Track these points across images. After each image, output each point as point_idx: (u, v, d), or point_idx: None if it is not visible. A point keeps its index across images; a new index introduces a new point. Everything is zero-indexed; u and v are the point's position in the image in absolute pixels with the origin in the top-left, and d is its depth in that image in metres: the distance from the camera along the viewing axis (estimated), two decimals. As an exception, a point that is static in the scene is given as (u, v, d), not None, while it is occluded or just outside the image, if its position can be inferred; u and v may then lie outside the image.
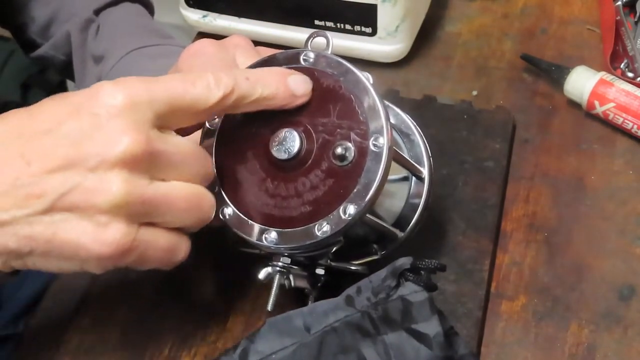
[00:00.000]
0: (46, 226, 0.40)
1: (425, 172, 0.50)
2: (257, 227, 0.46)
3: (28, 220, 0.40)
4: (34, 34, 0.72)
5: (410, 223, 0.50)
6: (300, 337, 0.43)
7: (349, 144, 0.44)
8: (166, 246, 0.44)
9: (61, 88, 1.36)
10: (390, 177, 0.46)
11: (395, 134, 0.52)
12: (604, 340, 0.51)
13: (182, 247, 0.45)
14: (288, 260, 0.47)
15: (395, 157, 0.47)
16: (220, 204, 0.47)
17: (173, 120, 0.43)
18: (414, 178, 0.51)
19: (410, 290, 0.42)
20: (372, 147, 0.44)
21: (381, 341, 0.42)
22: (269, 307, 0.46)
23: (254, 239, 0.46)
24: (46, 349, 0.54)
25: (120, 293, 0.56)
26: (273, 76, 0.46)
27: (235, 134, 0.48)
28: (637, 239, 0.56)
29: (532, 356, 0.51)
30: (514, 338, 0.52)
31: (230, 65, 0.51)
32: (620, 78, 0.64)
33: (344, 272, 0.49)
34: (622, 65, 0.68)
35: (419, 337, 0.41)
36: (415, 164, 0.50)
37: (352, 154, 0.44)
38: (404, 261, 0.43)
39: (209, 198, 0.45)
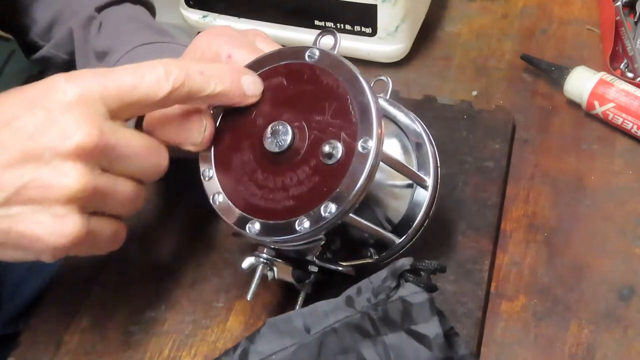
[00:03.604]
0: (3, 219, 0.41)
1: (429, 181, 0.50)
2: (242, 216, 0.47)
3: None
4: (36, 35, 0.72)
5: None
6: (300, 338, 0.43)
7: (338, 143, 0.44)
8: (111, 234, 0.46)
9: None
10: (396, 182, 0.46)
11: (405, 142, 0.51)
12: (603, 340, 0.51)
13: (122, 235, 0.47)
14: (272, 253, 0.47)
15: (396, 165, 0.48)
16: (213, 190, 0.48)
17: (125, 111, 0.44)
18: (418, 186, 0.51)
19: (410, 291, 0.42)
20: (359, 149, 0.44)
21: (381, 342, 0.42)
22: (249, 297, 0.47)
23: (239, 227, 0.47)
24: (46, 349, 0.54)
25: (121, 293, 0.56)
26: (228, 73, 0.46)
27: (236, 122, 0.49)
28: (637, 239, 0.56)
29: (532, 356, 0.51)
30: (514, 338, 0.52)
31: (250, 46, 0.52)
32: (620, 78, 0.64)
33: (334, 271, 0.50)
34: (621, 66, 0.68)
35: (419, 338, 0.41)
36: (419, 173, 0.50)
37: (340, 153, 0.44)
38: (404, 262, 0.43)
39: (143, 196, 0.47)
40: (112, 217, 0.46)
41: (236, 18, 0.74)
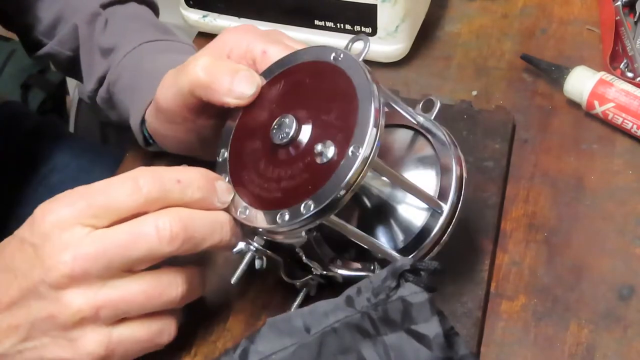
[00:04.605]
0: (32, 351, 0.45)
1: (445, 208, 0.49)
2: (238, 200, 0.48)
3: (17, 349, 0.45)
4: (40, 34, 0.72)
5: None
6: (300, 338, 0.43)
7: (331, 143, 0.45)
8: (148, 335, 0.47)
9: (61, 88, 1.37)
10: (414, 200, 0.48)
11: (434, 164, 0.51)
12: (603, 340, 0.51)
13: (165, 330, 0.48)
14: (264, 243, 0.48)
15: (400, 182, 0.48)
16: (222, 170, 0.50)
17: (104, 222, 0.44)
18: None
19: (410, 291, 0.42)
20: (349, 153, 0.44)
21: (381, 342, 0.42)
22: (233, 281, 0.47)
23: (232, 210, 0.48)
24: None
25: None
26: (203, 179, 0.46)
27: (256, 110, 0.50)
28: (636, 239, 0.57)
29: (532, 356, 0.51)
30: (514, 338, 0.52)
31: (281, 42, 0.52)
32: (619, 78, 0.64)
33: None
34: (621, 65, 0.68)
35: (419, 338, 0.41)
36: (430, 195, 0.49)
37: (331, 154, 0.44)
38: (404, 262, 0.43)
39: (167, 279, 0.46)
40: (149, 316, 0.46)
41: (236, 18, 0.74)
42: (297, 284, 0.51)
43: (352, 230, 0.47)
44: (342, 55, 0.48)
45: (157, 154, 0.64)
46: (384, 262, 0.49)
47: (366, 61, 0.48)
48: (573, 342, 0.51)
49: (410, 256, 0.49)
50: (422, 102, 0.53)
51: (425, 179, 0.51)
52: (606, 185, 0.60)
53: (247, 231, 0.48)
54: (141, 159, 0.66)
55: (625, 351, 0.51)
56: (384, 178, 0.51)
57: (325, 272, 0.50)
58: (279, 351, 0.43)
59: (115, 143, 1.27)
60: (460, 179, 0.50)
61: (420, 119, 0.52)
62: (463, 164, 0.51)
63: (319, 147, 0.45)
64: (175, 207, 0.45)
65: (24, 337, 0.45)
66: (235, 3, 0.74)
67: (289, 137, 0.46)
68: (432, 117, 0.52)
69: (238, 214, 0.47)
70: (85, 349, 0.44)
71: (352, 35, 0.51)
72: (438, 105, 0.52)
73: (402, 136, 0.53)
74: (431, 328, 0.41)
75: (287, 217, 0.45)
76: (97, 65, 0.67)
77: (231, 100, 0.49)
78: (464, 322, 0.51)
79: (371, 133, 0.44)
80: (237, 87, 0.49)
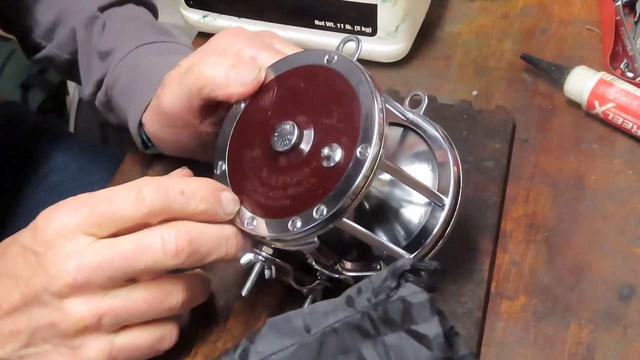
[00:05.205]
0: (34, 357, 0.45)
1: (447, 201, 0.49)
2: (243, 210, 0.47)
3: (18, 354, 0.45)
4: (39, 37, 0.72)
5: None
6: (300, 338, 0.43)
7: (337, 146, 0.45)
8: (149, 342, 0.47)
9: (61, 88, 1.37)
10: (415, 198, 0.48)
11: (430, 159, 0.51)
12: (603, 340, 0.51)
13: (167, 336, 0.48)
14: (272, 252, 0.47)
15: (404, 178, 0.48)
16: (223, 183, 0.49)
17: (108, 231, 0.44)
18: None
19: (411, 291, 0.42)
20: (357, 155, 0.44)
21: (381, 342, 0.42)
22: (244, 293, 0.47)
23: (238, 222, 0.47)
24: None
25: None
26: (208, 190, 0.46)
27: (252, 120, 0.50)
28: (636, 239, 0.57)
29: (532, 356, 0.51)
30: (514, 338, 0.52)
31: (271, 48, 0.52)
32: (620, 78, 0.64)
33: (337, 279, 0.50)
34: (621, 65, 0.68)
35: (419, 338, 0.41)
36: (433, 190, 0.49)
37: (338, 157, 0.44)
38: (404, 262, 0.43)
39: (168, 287, 0.46)
40: (151, 323, 0.47)
41: (236, 18, 0.74)
42: (304, 290, 0.51)
43: (361, 231, 0.47)
44: (335, 57, 0.48)
45: (156, 155, 0.64)
46: (389, 259, 0.49)
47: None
48: (573, 342, 0.51)
49: (415, 252, 0.49)
50: (409, 98, 0.53)
51: (422, 174, 0.51)
52: (606, 185, 0.60)
53: (254, 241, 0.48)
54: (141, 160, 0.66)
55: (625, 351, 0.51)
56: (382, 177, 0.51)
57: (337, 276, 0.50)
58: (279, 351, 0.43)
59: (115, 143, 1.27)
60: (457, 171, 0.50)
61: (410, 115, 0.52)
62: (457, 156, 0.51)
63: (325, 151, 0.44)
64: (180, 218, 0.45)
65: (25, 343, 0.45)
66: (235, 3, 0.74)
67: (291, 143, 0.46)
68: (422, 112, 0.52)
69: (245, 225, 0.47)
70: (87, 357, 0.44)
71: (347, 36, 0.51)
72: (425, 100, 0.52)
73: (394, 134, 0.53)
74: (431, 328, 0.41)
75: (299, 223, 0.44)
76: (95, 69, 0.67)
77: (236, 89, 0.49)
78: (464, 322, 0.51)
79: (378, 132, 0.44)
80: (240, 75, 0.49)
